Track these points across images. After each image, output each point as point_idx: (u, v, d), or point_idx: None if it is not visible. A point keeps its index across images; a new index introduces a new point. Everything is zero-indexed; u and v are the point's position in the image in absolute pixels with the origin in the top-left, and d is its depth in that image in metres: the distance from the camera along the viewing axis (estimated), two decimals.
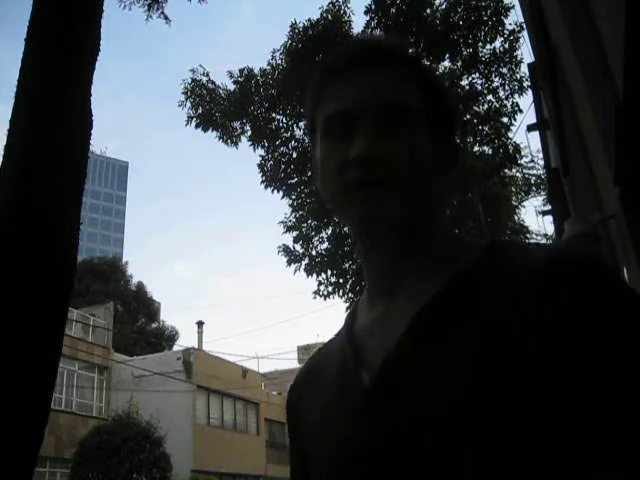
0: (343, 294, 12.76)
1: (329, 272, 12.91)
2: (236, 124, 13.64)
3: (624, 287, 0.66)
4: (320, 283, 12.84)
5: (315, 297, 12.83)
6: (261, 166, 13.31)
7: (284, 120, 13.56)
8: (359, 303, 0.89)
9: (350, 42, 1.00)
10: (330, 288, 12.81)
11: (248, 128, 13.62)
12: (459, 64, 12.48)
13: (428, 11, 12.32)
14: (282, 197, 13.31)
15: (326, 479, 0.74)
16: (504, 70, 12.10)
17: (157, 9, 8.81)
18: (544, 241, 16.59)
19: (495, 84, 12.18)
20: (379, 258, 0.80)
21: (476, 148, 12.24)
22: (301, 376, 0.91)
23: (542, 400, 0.60)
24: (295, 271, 12.99)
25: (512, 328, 0.64)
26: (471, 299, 0.69)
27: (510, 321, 0.64)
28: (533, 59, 8.70)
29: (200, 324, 29.63)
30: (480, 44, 12.17)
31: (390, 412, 0.67)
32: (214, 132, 13.64)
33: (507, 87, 12.10)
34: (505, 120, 12.13)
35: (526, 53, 64.02)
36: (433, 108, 0.80)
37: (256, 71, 13.39)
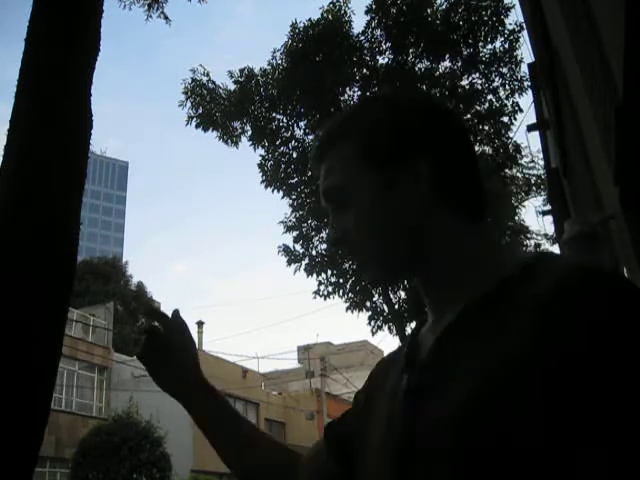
0: (343, 294, 12.78)
1: (329, 272, 12.94)
2: (236, 124, 13.66)
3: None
4: (320, 283, 12.87)
5: (315, 297, 12.87)
6: (261, 166, 13.33)
7: (284, 120, 13.57)
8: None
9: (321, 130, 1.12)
10: (330, 288, 12.83)
11: (248, 128, 13.64)
12: (459, 64, 12.50)
13: (429, 11, 12.33)
14: (282, 197, 13.34)
15: (370, 465, 0.84)
16: (504, 70, 12.13)
17: (157, 9, 8.80)
18: (544, 241, 16.59)
19: (495, 84, 12.21)
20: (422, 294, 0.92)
21: (476, 148, 12.25)
22: (384, 360, 1.03)
23: (542, 417, 0.64)
24: (295, 271, 13.02)
25: (523, 349, 0.68)
26: (487, 320, 0.75)
27: (522, 342, 0.69)
28: (533, 59, 8.70)
29: (200, 324, 29.61)
30: (480, 44, 12.19)
31: (416, 412, 0.77)
32: (214, 132, 13.66)
33: (507, 87, 12.12)
34: (505, 120, 12.15)
35: (526, 53, 64.01)
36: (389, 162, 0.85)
37: (256, 71, 13.41)
